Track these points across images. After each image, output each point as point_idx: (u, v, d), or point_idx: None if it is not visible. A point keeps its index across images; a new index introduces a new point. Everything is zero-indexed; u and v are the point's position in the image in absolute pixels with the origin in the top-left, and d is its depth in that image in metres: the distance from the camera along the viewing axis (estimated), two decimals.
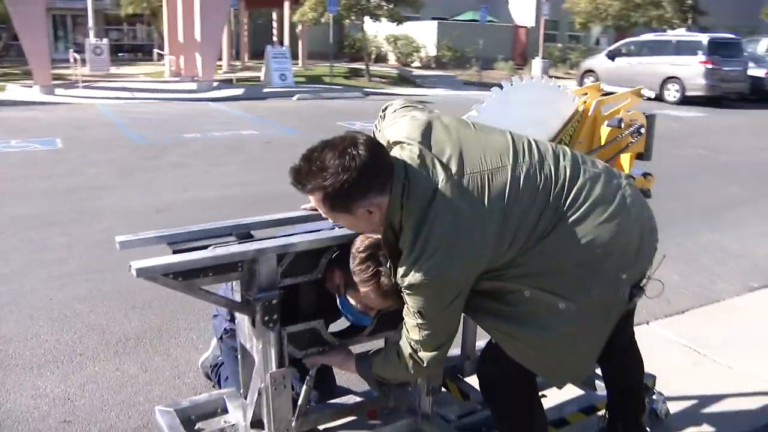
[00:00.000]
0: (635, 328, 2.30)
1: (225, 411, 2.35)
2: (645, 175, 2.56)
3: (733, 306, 4.00)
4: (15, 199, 6.11)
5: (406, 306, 1.70)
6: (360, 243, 1.83)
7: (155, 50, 20.58)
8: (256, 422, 2.11)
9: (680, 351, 3.35)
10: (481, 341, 2.72)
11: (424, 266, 1.57)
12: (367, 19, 20.38)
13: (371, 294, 1.82)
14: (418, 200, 1.60)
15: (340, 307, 1.95)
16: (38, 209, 5.71)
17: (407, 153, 1.67)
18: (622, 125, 2.42)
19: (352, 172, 1.56)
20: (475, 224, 1.59)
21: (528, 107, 2.30)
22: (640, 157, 2.54)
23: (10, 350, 3.22)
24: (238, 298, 1.90)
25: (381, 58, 27.75)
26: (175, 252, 1.80)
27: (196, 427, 2.27)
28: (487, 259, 1.62)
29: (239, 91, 17.06)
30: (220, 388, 2.63)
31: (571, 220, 1.66)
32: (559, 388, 1.98)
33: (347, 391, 2.49)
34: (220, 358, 2.73)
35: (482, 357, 1.98)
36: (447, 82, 22.09)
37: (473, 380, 2.61)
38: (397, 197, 1.61)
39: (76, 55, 17.37)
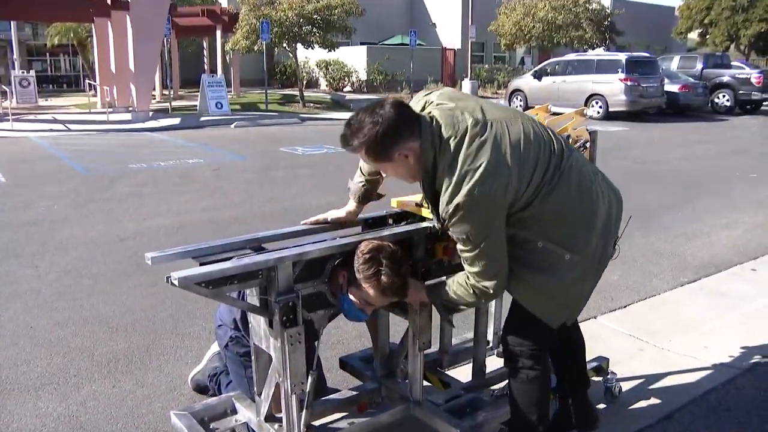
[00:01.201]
0: (585, 323, 2.66)
1: (234, 412, 2.58)
2: None
3: (667, 299, 4.45)
4: None
5: (457, 245, 2.05)
6: (365, 246, 2.12)
7: (88, 81, 20.30)
8: (269, 416, 2.37)
9: (626, 339, 3.76)
10: (456, 338, 3.05)
11: (466, 188, 1.92)
12: (299, 45, 20.73)
13: (371, 290, 2.11)
14: (452, 140, 1.97)
15: (341, 304, 2.22)
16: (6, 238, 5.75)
17: (438, 107, 2.07)
18: (570, 141, 2.79)
19: (382, 125, 1.95)
20: (502, 156, 1.97)
21: None
22: None
23: (3, 375, 3.33)
24: (255, 302, 2.14)
25: (312, 84, 28.14)
26: (201, 264, 2.04)
27: (210, 427, 2.49)
28: (514, 189, 1.98)
29: (176, 121, 17.04)
30: (219, 394, 2.83)
31: (569, 179, 2.08)
32: (555, 327, 2.27)
33: (335, 391, 2.74)
34: (218, 368, 2.94)
35: (505, 329, 2.34)
36: None
37: (451, 371, 2.95)
38: (427, 140, 1.98)
39: (5, 88, 16.95)
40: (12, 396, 3.13)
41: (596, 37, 25.86)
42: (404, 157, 2.01)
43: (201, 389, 3.07)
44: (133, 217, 6.71)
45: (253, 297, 2.15)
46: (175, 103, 20.41)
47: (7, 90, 17.05)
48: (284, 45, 20.50)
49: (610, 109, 17.51)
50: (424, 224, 2.36)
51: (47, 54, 34.25)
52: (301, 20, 19.30)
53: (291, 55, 22.24)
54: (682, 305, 4.31)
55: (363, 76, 27.49)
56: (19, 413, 2.98)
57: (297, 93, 22.15)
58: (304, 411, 2.24)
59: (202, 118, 17.46)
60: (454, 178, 1.93)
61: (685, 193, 8.08)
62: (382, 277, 2.09)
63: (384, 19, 31.77)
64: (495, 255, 2.03)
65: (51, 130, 15.47)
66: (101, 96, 19.91)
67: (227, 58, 24.44)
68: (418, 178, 2.09)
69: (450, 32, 32.96)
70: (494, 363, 2.95)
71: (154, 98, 22.03)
